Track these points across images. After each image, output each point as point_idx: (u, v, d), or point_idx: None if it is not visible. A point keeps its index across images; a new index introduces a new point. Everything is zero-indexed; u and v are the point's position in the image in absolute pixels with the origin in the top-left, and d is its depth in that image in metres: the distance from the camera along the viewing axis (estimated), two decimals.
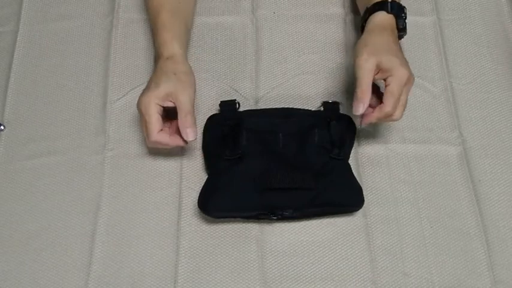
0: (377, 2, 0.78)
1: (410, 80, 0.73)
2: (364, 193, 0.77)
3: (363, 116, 0.75)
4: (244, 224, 0.78)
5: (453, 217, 0.79)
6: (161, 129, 0.75)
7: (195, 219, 0.78)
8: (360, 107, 0.73)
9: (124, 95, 0.87)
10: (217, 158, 0.78)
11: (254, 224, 0.78)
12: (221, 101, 0.83)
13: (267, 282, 0.74)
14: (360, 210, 0.78)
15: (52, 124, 0.85)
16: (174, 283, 0.74)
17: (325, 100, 0.84)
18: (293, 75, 0.89)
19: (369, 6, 0.79)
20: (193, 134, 0.75)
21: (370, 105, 0.74)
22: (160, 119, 0.75)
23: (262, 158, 0.78)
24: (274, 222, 0.78)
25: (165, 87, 0.74)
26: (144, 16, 0.93)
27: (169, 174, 0.81)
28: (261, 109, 0.85)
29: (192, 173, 0.81)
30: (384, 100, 0.73)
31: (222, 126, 0.80)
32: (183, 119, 0.74)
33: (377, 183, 0.80)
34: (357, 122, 0.80)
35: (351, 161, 0.80)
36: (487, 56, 0.91)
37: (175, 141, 0.76)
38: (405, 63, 0.74)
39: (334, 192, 0.76)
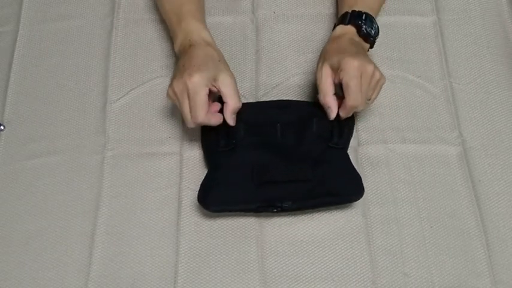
0: (339, 17, 0.82)
1: (362, 68, 0.74)
2: (364, 193, 0.77)
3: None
4: (244, 224, 0.78)
5: (453, 217, 0.79)
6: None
7: (194, 219, 0.78)
8: (330, 112, 0.78)
9: (124, 95, 0.87)
10: (215, 151, 0.78)
11: (254, 224, 0.78)
12: (218, 96, 0.83)
13: (267, 282, 0.74)
14: (360, 210, 0.78)
15: (52, 124, 0.85)
16: (174, 283, 0.74)
17: None
18: (293, 75, 0.89)
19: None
20: (234, 120, 0.78)
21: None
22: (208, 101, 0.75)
23: (261, 149, 0.78)
24: (273, 220, 0.78)
25: (214, 71, 0.75)
26: (144, 16, 0.94)
27: (168, 174, 0.81)
28: (258, 102, 0.85)
29: (192, 173, 0.81)
30: (345, 95, 0.75)
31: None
32: (233, 105, 0.76)
33: (377, 183, 0.80)
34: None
35: (351, 161, 0.80)
36: (487, 56, 0.91)
37: (217, 119, 0.77)
38: (355, 56, 0.75)
39: (333, 182, 0.76)
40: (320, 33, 0.92)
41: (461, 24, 0.94)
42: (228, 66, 0.78)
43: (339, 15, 0.83)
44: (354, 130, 0.83)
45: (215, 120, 0.77)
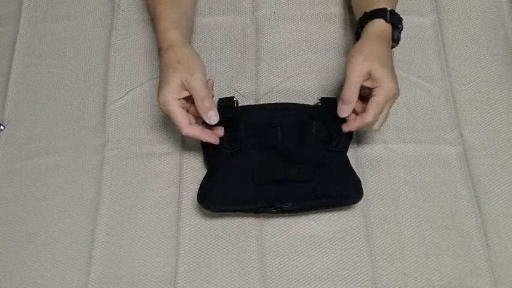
0: (377, 9, 0.79)
1: (396, 95, 0.75)
2: (364, 193, 0.77)
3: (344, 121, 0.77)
4: (244, 224, 0.78)
5: (453, 217, 0.79)
6: (190, 122, 0.74)
7: (194, 219, 0.78)
8: (346, 110, 0.75)
9: (124, 95, 0.87)
10: (216, 152, 0.78)
11: (254, 224, 0.78)
12: (220, 98, 0.83)
13: (267, 282, 0.74)
14: (360, 210, 0.78)
15: (52, 124, 0.85)
16: (174, 283, 0.74)
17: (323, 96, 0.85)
18: (293, 75, 0.89)
19: (368, 11, 0.79)
20: (215, 116, 0.74)
21: (354, 111, 0.76)
22: (184, 112, 0.74)
23: (261, 151, 0.78)
24: (273, 220, 0.78)
25: (174, 79, 0.73)
26: (144, 16, 0.93)
27: (168, 174, 0.81)
28: (259, 104, 0.85)
29: (192, 173, 0.81)
30: (367, 109, 0.74)
31: (220, 120, 0.78)
32: (201, 105, 0.73)
33: (377, 183, 0.80)
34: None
35: (351, 161, 0.80)
36: (487, 56, 0.91)
37: (207, 136, 0.76)
38: (395, 77, 0.75)
39: (332, 185, 0.76)
40: (320, 33, 0.92)
41: (461, 24, 0.94)
42: (191, 61, 0.75)
43: (371, 9, 0.79)
44: (355, 131, 0.83)
45: (205, 136, 0.75)
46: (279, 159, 0.78)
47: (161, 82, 0.75)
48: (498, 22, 0.94)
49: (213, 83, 0.79)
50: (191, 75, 0.73)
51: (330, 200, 0.76)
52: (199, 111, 0.74)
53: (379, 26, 0.78)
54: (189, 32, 0.83)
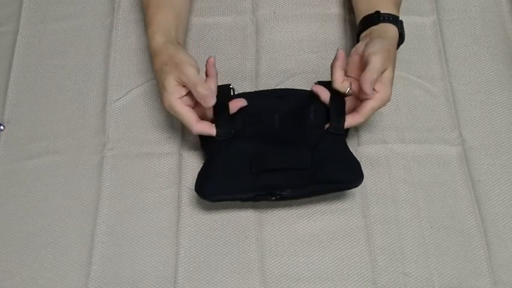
0: (393, 15, 0.79)
1: (387, 102, 0.76)
2: (364, 193, 0.77)
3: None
4: (244, 224, 0.78)
5: (453, 217, 0.79)
6: (198, 119, 0.75)
7: (194, 219, 0.78)
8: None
9: (124, 95, 0.87)
10: (213, 140, 0.77)
11: (254, 224, 0.78)
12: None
13: (267, 282, 0.74)
14: (360, 210, 0.78)
15: (52, 124, 0.85)
16: (174, 283, 0.74)
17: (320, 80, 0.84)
18: (293, 74, 0.89)
19: (382, 11, 0.79)
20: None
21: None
22: (191, 110, 0.75)
23: (259, 138, 0.78)
24: (273, 220, 0.78)
25: (168, 81, 0.74)
26: None
27: (168, 174, 0.81)
28: (255, 91, 0.85)
29: (192, 173, 0.80)
30: (361, 111, 0.76)
31: (216, 106, 0.77)
32: (195, 93, 0.74)
33: (377, 183, 0.80)
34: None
35: None
36: (487, 56, 0.91)
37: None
38: (391, 86, 0.76)
39: (332, 169, 0.75)
40: (320, 33, 0.92)
41: (461, 24, 0.94)
42: (176, 59, 0.75)
43: (385, 11, 0.80)
44: (354, 130, 0.83)
45: (215, 130, 0.77)
46: (278, 146, 0.77)
47: (160, 88, 0.76)
48: (498, 22, 0.94)
49: (214, 60, 0.79)
50: (181, 72, 0.74)
51: (330, 185, 0.75)
52: (198, 99, 0.74)
53: (395, 33, 0.79)
54: (179, 32, 0.83)
